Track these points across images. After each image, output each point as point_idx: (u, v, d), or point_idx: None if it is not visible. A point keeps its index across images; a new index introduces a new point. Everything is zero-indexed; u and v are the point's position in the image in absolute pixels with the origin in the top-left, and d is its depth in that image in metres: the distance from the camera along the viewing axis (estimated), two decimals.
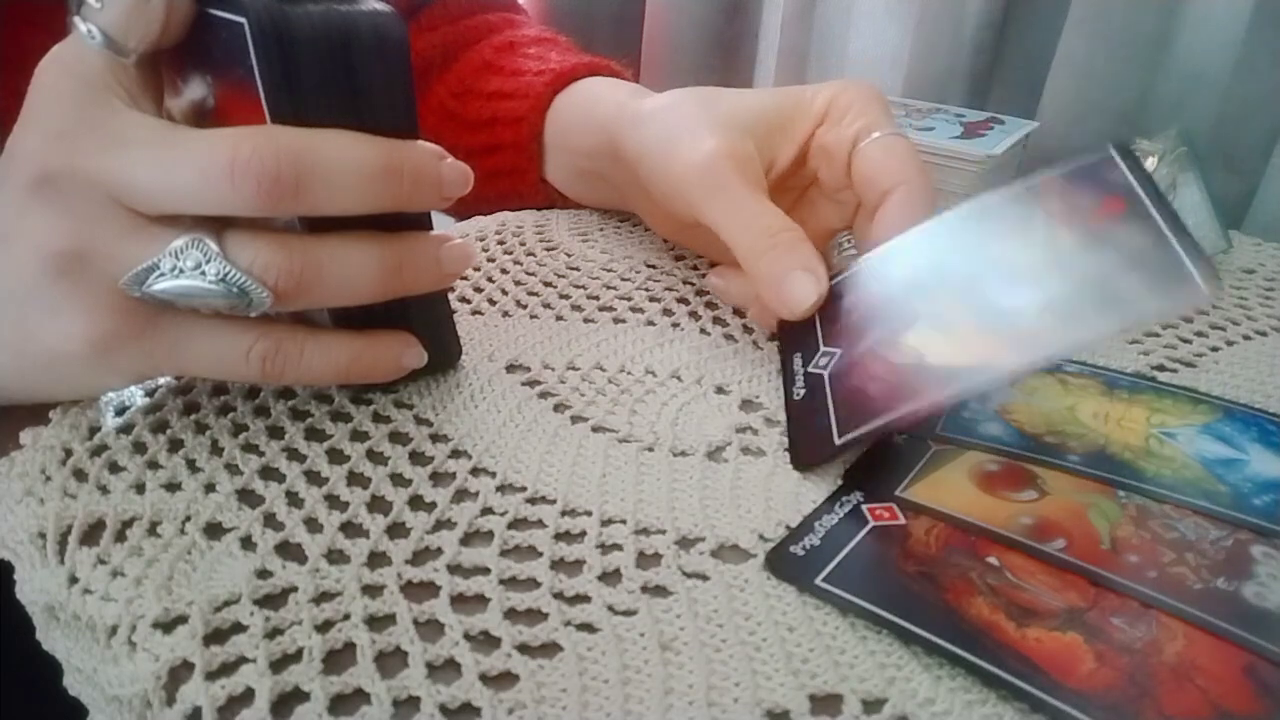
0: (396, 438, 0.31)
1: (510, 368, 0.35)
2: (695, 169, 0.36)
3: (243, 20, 0.25)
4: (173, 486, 0.28)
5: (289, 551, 0.26)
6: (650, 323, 0.39)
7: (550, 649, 0.23)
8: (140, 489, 0.28)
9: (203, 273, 0.25)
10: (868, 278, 0.34)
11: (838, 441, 0.29)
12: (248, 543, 0.26)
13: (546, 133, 0.48)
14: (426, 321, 0.32)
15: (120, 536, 0.26)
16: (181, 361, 0.28)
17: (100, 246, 0.26)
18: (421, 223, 0.30)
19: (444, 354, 0.34)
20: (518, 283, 0.42)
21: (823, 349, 0.32)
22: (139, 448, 0.30)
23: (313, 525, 0.27)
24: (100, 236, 0.26)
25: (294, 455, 0.30)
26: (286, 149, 0.25)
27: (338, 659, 0.23)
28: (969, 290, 0.30)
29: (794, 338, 0.35)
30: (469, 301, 0.40)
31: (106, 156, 0.25)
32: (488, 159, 0.50)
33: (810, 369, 0.32)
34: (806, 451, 0.31)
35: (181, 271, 0.26)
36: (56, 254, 0.26)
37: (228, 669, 0.22)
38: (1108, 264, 0.27)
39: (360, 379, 0.31)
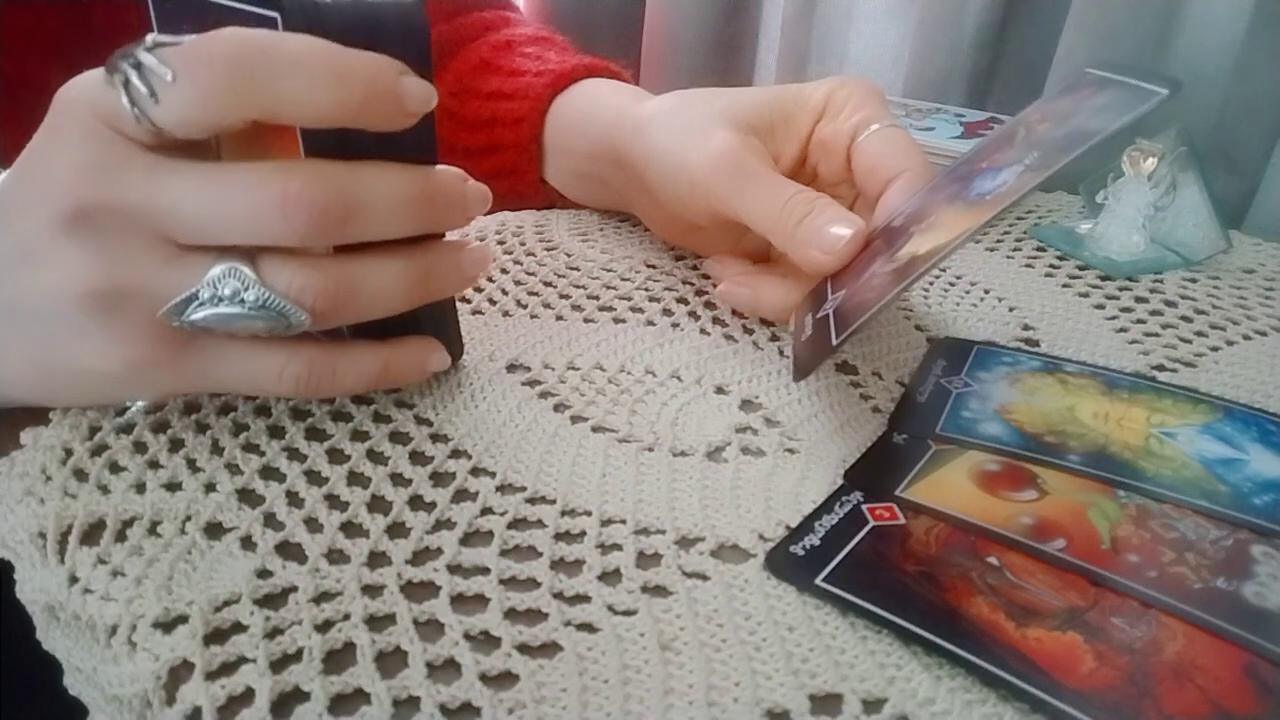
0: (396, 438, 0.31)
1: (510, 368, 0.35)
2: (715, 163, 0.36)
3: (276, 15, 0.25)
4: (173, 486, 0.28)
5: (289, 551, 0.26)
6: (650, 323, 0.39)
7: (550, 649, 0.23)
8: (140, 489, 0.28)
9: (242, 300, 0.26)
10: (874, 236, 0.35)
11: (834, 341, 0.29)
12: (248, 542, 0.26)
13: (546, 134, 0.48)
14: (433, 321, 0.32)
15: (120, 536, 0.26)
16: (214, 382, 0.29)
17: (138, 280, 0.26)
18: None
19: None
20: (518, 283, 0.42)
21: (830, 297, 0.33)
22: (139, 447, 0.30)
23: (313, 525, 0.27)
24: (138, 270, 0.26)
25: (294, 455, 0.30)
26: (334, 182, 0.25)
27: (338, 659, 0.23)
28: (957, 196, 0.32)
29: (808, 304, 0.35)
30: (469, 301, 0.40)
31: (148, 190, 0.25)
32: (487, 159, 0.49)
33: (818, 315, 0.33)
34: (805, 363, 0.31)
35: (220, 299, 0.26)
36: (93, 292, 0.26)
37: (228, 669, 0.22)
38: (1082, 118, 0.30)
39: (390, 385, 0.31)
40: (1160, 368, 0.38)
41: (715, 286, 0.40)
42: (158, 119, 0.25)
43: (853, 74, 0.44)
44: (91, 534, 0.27)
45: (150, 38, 0.25)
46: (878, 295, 0.29)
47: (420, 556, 0.26)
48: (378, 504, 0.28)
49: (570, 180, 0.49)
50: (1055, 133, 0.30)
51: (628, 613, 0.24)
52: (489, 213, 0.50)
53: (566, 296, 0.41)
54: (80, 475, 0.29)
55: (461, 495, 0.29)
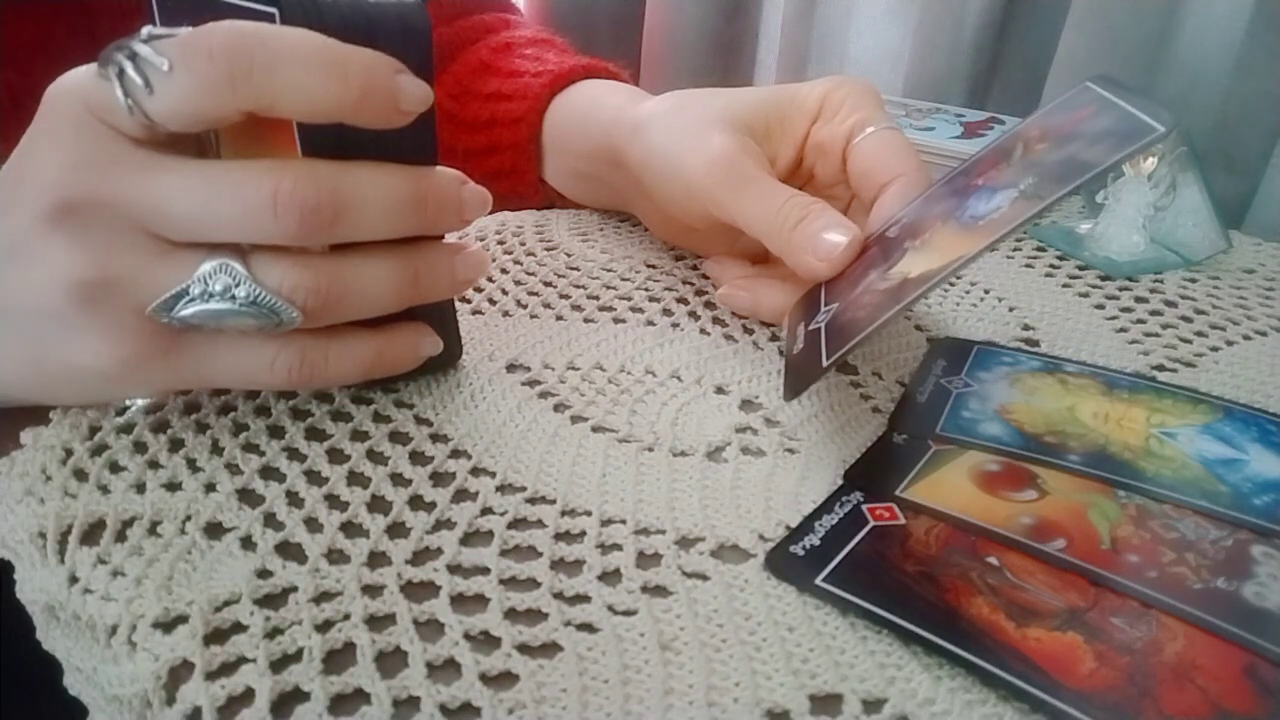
0: (396, 437, 0.31)
1: (510, 368, 0.35)
2: (712, 166, 0.36)
3: (274, 11, 0.25)
4: (173, 486, 0.28)
5: (289, 551, 0.26)
6: (650, 323, 0.39)
7: (550, 649, 0.23)
8: (140, 489, 0.28)
9: (233, 297, 0.26)
10: (870, 244, 0.35)
11: (825, 363, 0.29)
12: (248, 542, 0.26)
13: (544, 134, 0.48)
14: (432, 321, 0.32)
15: (120, 536, 0.26)
16: (207, 375, 0.28)
17: (126, 273, 0.26)
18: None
19: (446, 353, 0.34)
20: (518, 283, 0.42)
21: (823, 309, 0.33)
22: (139, 447, 0.30)
23: (313, 525, 0.27)
24: (126, 264, 0.26)
25: (294, 455, 0.30)
26: (325, 182, 0.25)
27: (338, 659, 0.23)
28: (951, 214, 0.32)
29: (801, 311, 0.35)
30: (469, 301, 0.40)
31: (138, 186, 0.25)
32: (487, 160, 0.50)
33: (810, 327, 0.33)
34: (796, 381, 0.31)
35: (211, 296, 0.26)
36: (80, 283, 0.26)
37: (228, 669, 0.22)
38: (1079, 145, 0.29)
39: (383, 374, 0.31)
40: (1160, 368, 0.38)
41: (715, 288, 0.40)
42: (151, 110, 0.25)
43: (850, 74, 0.44)
44: (91, 534, 0.27)
45: (146, 30, 0.25)
46: (868, 316, 0.29)
47: (420, 556, 0.26)
48: (378, 504, 0.28)
49: (569, 180, 0.49)
50: (1051, 157, 0.30)
51: (628, 613, 0.24)
52: (489, 213, 0.50)
53: (566, 296, 0.41)
54: (80, 475, 0.29)
55: (461, 495, 0.29)
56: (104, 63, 0.25)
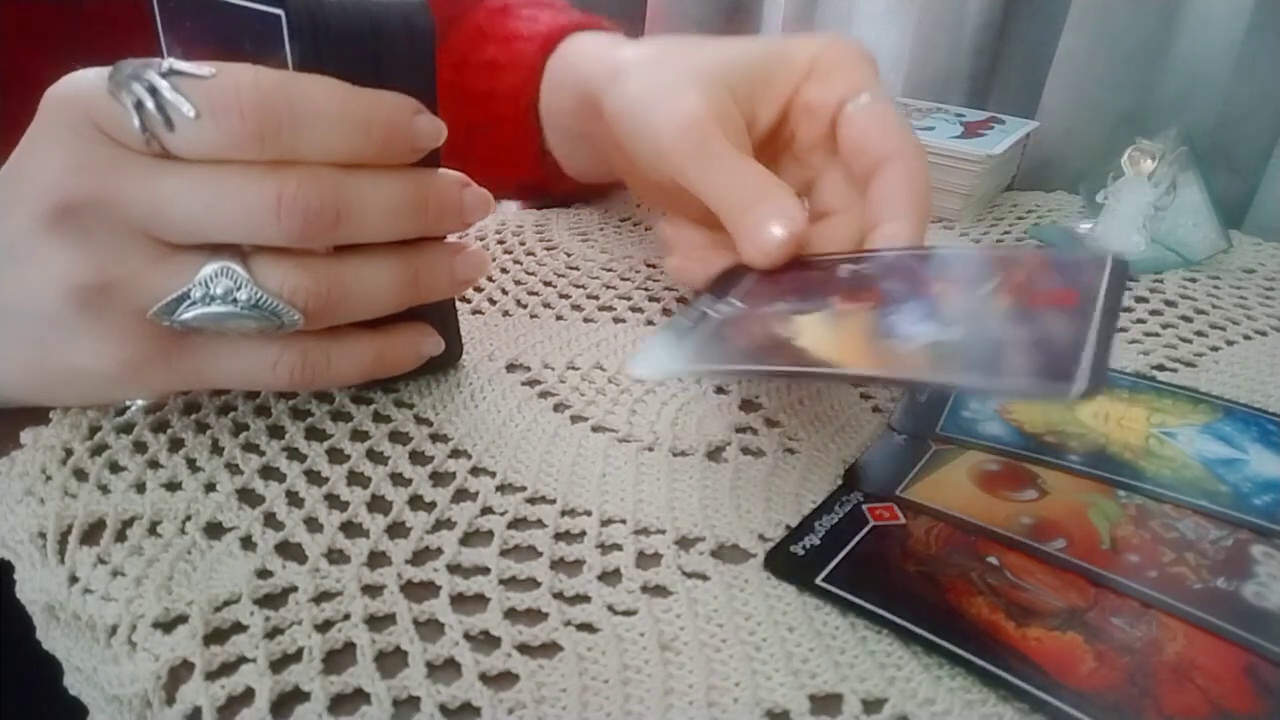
0: (396, 437, 0.31)
1: (510, 367, 0.35)
2: (677, 131, 0.34)
3: (279, 13, 0.25)
4: (173, 486, 0.28)
5: (289, 551, 0.26)
6: (650, 323, 0.39)
7: (550, 649, 0.23)
8: (140, 488, 0.28)
9: (234, 300, 0.26)
10: (823, 262, 0.33)
11: (687, 367, 0.28)
12: (248, 542, 0.26)
13: (541, 102, 0.46)
14: (432, 320, 0.32)
15: (120, 536, 0.26)
16: (208, 377, 0.28)
17: (126, 277, 0.26)
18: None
19: (446, 353, 0.34)
20: (518, 282, 0.42)
21: (732, 301, 0.31)
22: (139, 447, 0.30)
23: (313, 525, 0.27)
24: (126, 267, 0.26)
25: (294, 455, 0.30)
26: (328, 185, 0.26)
27: (338, 659, 0.23)
28: (881, 311, 0.29)
29: (718, 286, 0.33)
30: (469, 301, 0.40)
31: (139, 188, 0.25)
32: (491, 134, 0.48)
33: (709, 310, 0.31)
34: (654, 360, 0.29)
35: (212, 299, 0.26)
36: (79, 287, 0.26)
37: (228, 669, 0.22)
38: (1016, 336, 0.26)
39: (385, 374, 0.31)
40: (1160, 368, 0.38)
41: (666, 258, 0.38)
42: (171, 145, 0.25)
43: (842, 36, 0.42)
44: (91, 534, 0.27)
45: (166, 64, 0.24)
46: (742, 353, 0.28)
47: (420, 556, 0.26)
48: (378, 504, 0.28)
49: (566, 145, 0.47)
50: (982, 332, 0.27)
51: (628, 613, 0.24)
52: (498, 192, 0.48)
53: (566, 296, 0.41)
54: (80, 475, 0.29)
55: (461, 495, 0.29)
56: (117, 85, 0.25)
